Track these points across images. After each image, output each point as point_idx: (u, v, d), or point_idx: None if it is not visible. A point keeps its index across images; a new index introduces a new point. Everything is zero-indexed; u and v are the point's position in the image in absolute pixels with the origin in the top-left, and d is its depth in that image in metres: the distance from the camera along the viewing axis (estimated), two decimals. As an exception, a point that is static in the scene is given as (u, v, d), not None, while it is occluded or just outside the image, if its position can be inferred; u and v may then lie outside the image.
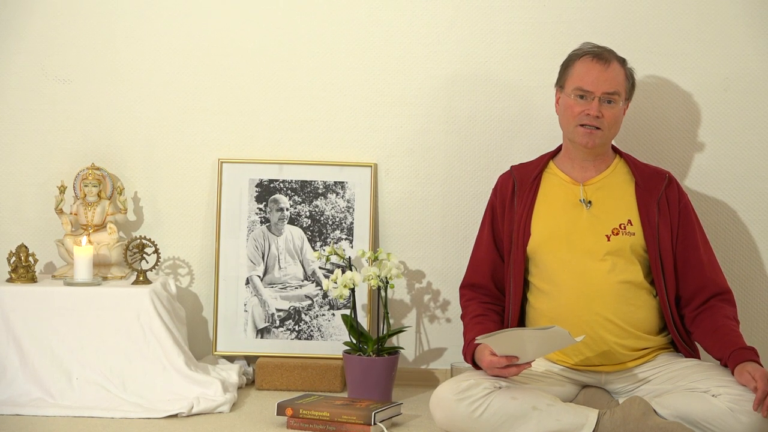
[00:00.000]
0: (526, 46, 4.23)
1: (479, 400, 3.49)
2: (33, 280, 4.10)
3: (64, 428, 3.68)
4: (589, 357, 3.66)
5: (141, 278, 4.11)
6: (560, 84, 3.87)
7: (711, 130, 4.18)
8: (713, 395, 3.47)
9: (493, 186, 3.92)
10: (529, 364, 3.55)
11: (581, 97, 3.75)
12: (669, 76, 4.22)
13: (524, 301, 3.80)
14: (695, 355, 3.71)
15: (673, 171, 3.93)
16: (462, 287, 3.91)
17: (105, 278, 4.17)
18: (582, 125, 3.74)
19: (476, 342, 3.56)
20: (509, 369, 3.53)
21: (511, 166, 3.88)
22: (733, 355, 3.54)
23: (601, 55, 3.80)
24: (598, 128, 3.74)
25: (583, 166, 3.78)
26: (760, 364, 3.51)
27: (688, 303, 3.73)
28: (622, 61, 3.83)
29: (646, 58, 4.17)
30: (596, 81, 3.75)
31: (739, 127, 4.18)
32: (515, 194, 3.83)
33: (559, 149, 3.87)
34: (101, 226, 4.24)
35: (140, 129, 4.34)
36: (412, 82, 4.27)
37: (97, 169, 4.26)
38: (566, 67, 3.87)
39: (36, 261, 4.13)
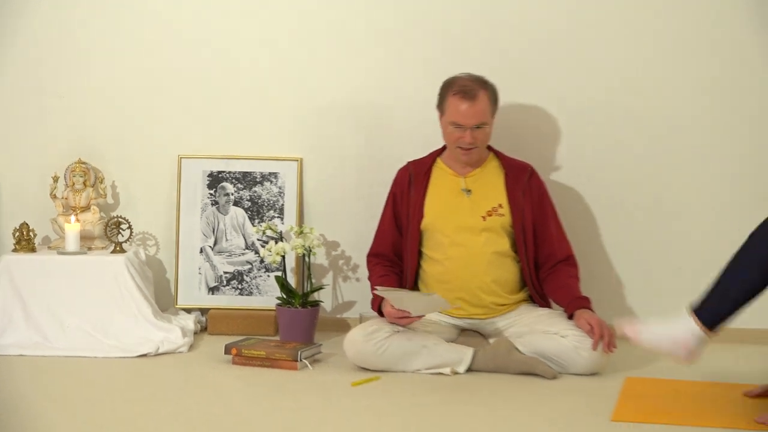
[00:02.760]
0: (421, 57, 4.38)
1: (382, 341, 3.81)
2: (33, 250, 4.32)
3: (58, 366, 3.93)
4: (468, 310, 4.00)
5: (117, 248, 4.36)
6: (440, 109, 3.96)
7: (565, 131, 4.43)
8: (562, 336, 3.80)
9: (393, 177, 4.16)
10: (419, 317, 3.83)
11: (457, 127, 3.90)
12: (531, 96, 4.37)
13: (418, 267, 4.07)
14: (548, 305, 4.07)
15: (534, 164, 4.16)
16: (369, 255, 4.16)
17: (90, 249, 4.40)
18: (459, 147, 3.93)
19: (376, 291, 3.80)
20: (404, 320, 3.84)
21: (408, 162, 4.13)
22: (571, 303, 3.89)
23: (469, 92, 3.83)
24: (473, 147, 3.92)
25: (463, 165, 4.04)
26: (592, 311, 3.86)
27: (542, 266, 4.05)
28: (487, 87, 3.89)
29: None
30: (466, 117, 3.86)
31: (588, 128, 4.42)
32: (411, 184, 4.05)
33: (444, 147, 4.09)
34: (86, 208, 4.46)
35: (116, 131, 4.55)
36: (329, 92, 4.45)
37: (83, 163, 4.48)
38: (443, 97, 3.92)
39: (35, 235, 4.36)
